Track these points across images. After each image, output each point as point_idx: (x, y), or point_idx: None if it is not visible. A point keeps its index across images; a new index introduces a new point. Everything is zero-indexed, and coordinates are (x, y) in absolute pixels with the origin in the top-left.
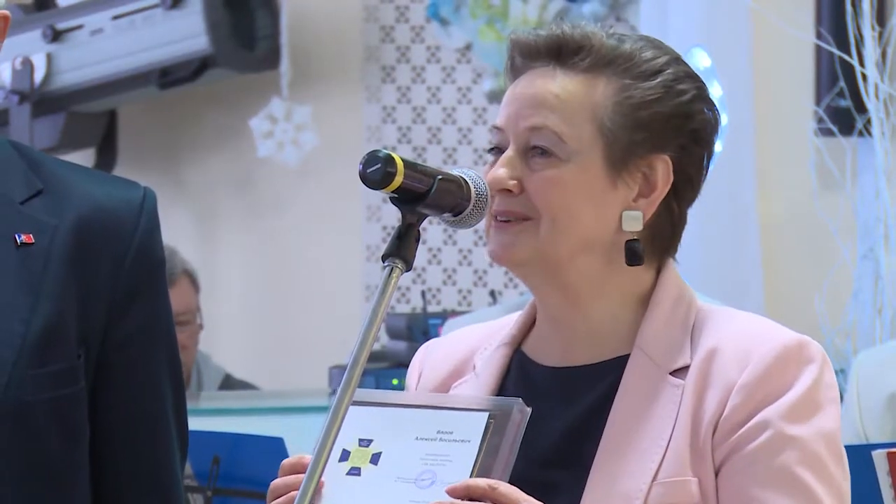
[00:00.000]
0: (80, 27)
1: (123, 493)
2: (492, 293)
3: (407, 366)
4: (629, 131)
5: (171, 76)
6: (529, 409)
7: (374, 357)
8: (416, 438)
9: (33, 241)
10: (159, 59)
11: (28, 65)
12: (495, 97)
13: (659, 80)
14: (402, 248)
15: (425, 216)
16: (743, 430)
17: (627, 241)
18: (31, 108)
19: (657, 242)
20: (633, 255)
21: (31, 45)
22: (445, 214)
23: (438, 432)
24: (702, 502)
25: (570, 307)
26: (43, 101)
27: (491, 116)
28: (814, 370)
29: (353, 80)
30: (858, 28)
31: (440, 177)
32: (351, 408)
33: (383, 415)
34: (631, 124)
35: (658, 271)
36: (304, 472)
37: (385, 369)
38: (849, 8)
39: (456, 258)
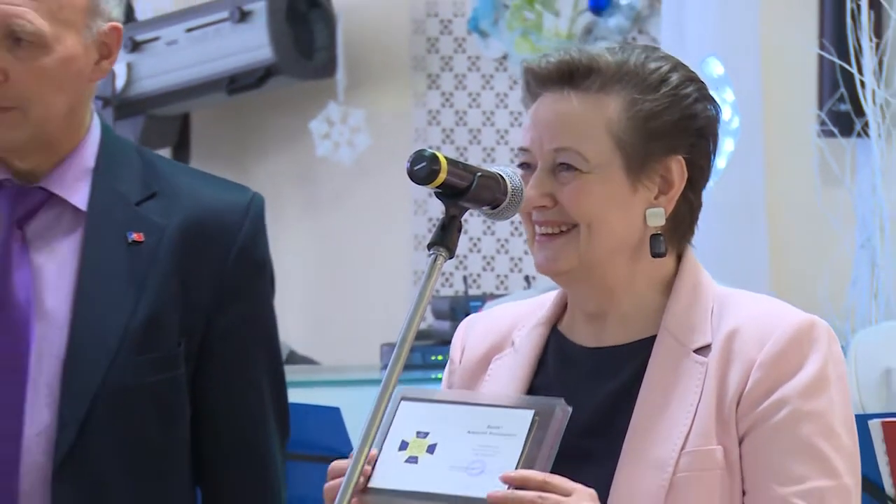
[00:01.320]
0: (156, 39)
1: (221, 471)
2: (526, 278)
3: (449, 344)
4: (643, 141)
5: (239, 83)
6: (570, 409)
7: (421, 335)
8: (468, 432)
9: (143, 239)
10: (228, 68)
11: (110, 73)
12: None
13: (664, 89)
14: (445, 237)
15: (466, 209)
16: (764, 404)
17: (652, 235)
18: (113, 111)
19: (679, 231)
20: (656, 248)
21: None
22: (484, 207)
23: (488, 427)
24: (726, 468)
25: (604, 302)
26: (124, 105)
27: (525, 119)
28: (823, 348)
29: (401, 87)
30: (857, 39)
31: (480, 174)
32: (410, 403)
33: (439, 411)
34: (644, 134)
35: (679, 258)
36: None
37: (430, 346)
38: (849, 21)
39: (494, 247)
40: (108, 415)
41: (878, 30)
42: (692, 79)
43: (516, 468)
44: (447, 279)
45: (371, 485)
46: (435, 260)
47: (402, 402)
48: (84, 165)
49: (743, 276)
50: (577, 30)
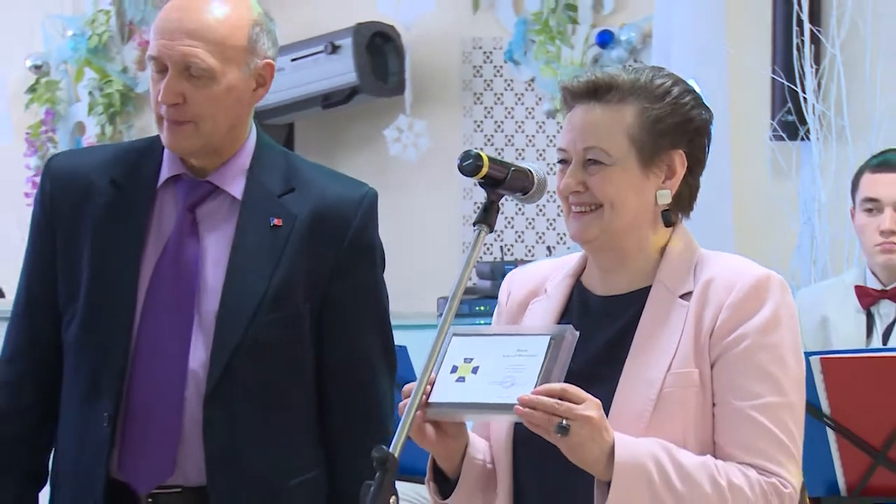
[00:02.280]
0: None
1: (339, 409)
2: (548, 248)
3: (490, 297)
4: (652, 139)
5: (331, 100)
6: (578, 333)
7: (468, 291)
8: (503, 356)
9: (281, 224)
10: (322, 89)
11: None
12: (551, 115)
13: (668, 99)
14: (487, 216)
15: (503, 195)
16: (730, 338)
17: (662, 211)
18: None
19: (681, 206)
20: (668, 219)
21: None
22: (517, 194)
23: (517, 350)
24: (700, 387)
25: (618, 262)
26: None
27: (549, 128)
28: (777, 295)
29: (454, 103)
30: (801, 66)
31: (514, 168)
32: (459, 338)
33: (480, 341)
34: (653, 134)
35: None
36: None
37: (475, 300)
38: (795, 52)
39: (524, 224)
40: (247, 359)
41: (818, 59)
42: (690, 91)
43: (537, 380)
44: (488, 248)
45: (431, 400)
46: (479, 234)
47: (454, 337)
48: (242, 166)
49: (713, 248)
50: (587, 59)
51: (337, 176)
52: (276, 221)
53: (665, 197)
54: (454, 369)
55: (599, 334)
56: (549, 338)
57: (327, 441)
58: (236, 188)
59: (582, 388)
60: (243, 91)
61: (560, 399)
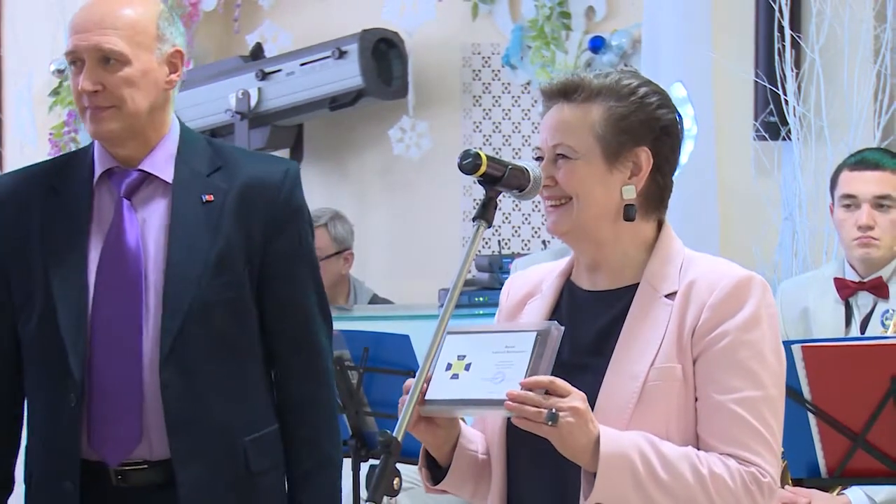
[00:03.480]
0: (279, 70)
1: (285, 358)
2: (543, 242)
3: (488, 289)
4: (616, 135)
5: (338, 102)
6: (563, 328)
7: (467, 283)
8: (493, 352)
9: (213, 199)
10: (330, 91)
11: (246, 95)
12: None
13: (632, 98)
14: (485, 212)
15: (500, 192)
16: (711, 335)
17: (626, 205)
18: (247, 123)
19: (650, 203)
20: (629, 213)
21: (247, 82)
22: (514, 191)
23: (506, 347)
24: (683, 381)
25: (598, 254)
26: (255, 119)
27: None
28: (758, 295)
29: (454, 105)
30: (783, 70)
31: (510, 167)
32: (452, 336)
33: (473, 339)
34: (616, 131)
35: (658, 227)
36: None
37: (474, 291)
38: (777, 57)
39: (520, 219)
40: (197, 322)
41: (798, 63)
42: (657, 91)
43: (525, 375)
44: (486, 242)
45: (427, 397)
46: (478, 229)
47: (448, 335)
48: (169, 152)
49: (700, 242)
50: (580, 63)
51: (260, 155)
52: (207, 197)
53: (630, 192)
54: (448, 367)
55: (588, 327)
56: (535, 333)
57: (277, 394)
58: (167, 173)
59: (570, 378)
60: (158, 75)
61: (547, 392)
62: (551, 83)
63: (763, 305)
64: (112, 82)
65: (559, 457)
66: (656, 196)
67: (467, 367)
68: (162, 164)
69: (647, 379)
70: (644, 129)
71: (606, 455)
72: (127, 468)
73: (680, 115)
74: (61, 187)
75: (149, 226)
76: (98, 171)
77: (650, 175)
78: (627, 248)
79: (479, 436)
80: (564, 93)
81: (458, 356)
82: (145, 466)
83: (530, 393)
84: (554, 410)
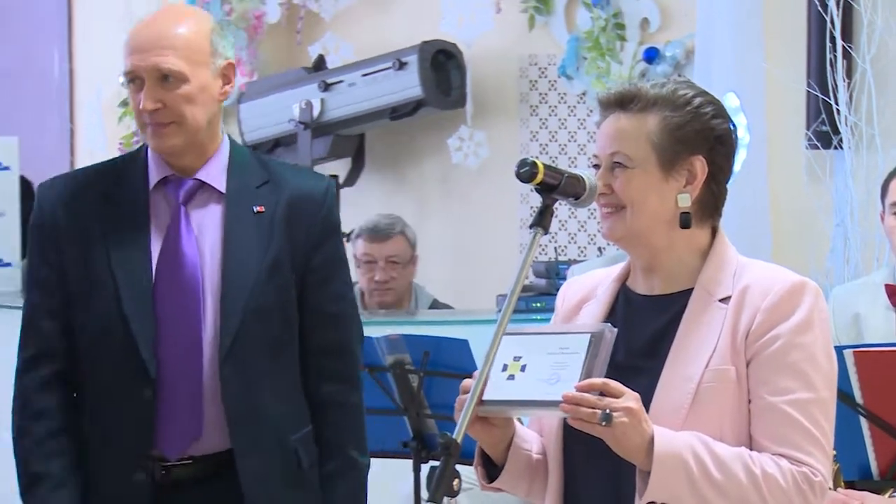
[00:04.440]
0: (341, 81)
1: (318, 361)
2: (598, 248)
3: (545, 294)
4: (671, 145)
5: (398, 112)
6: (616, 330)
7: (524, 289)
8: (548, 354)
9: (264, 210)
10: (391, 102)
11: (309, 105)
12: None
13: (688, 108)
14: (542, 220)
15: (557, 200)
16: (764, 338)
17: (681, 212)
18: (310, 133)
19: (705, 211)
20: (684, 221)
21: (310, 93)
22: (570, 199)
23: (560, 348)
24: (737, 382)
25: (653, 260)
26: (318, 128)
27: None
28: (810, 300)
29: (511, 114)
30: (835, 80)
31: (567, 175)
32: (509, 337)
33: (528, 340)
34: (672, 140)
35: (713, 233)
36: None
37: (531, 297)
38: (829, 67)
39: (576, 226)
40: (252, 323)
41: (850, 73)
42: (712, 101)
43: (580, 376)
44: (543, 249)
45: (484, 398)
46: (535, 236)
47: (504, 336)
48: (222, 164)
49: (753, 249)
50: (635, 74)
51: (300, 169)
52: (258, 208)
53: (685, 200)
54: (504, 367)
55: (642, 330)
56: (589, 335)
57: (307, 396)
58: (220, 183)
59: (624, 380)
60: (213, 89)
61: (601, 393)
62: (608, 93)
63: (815, 310)
64: (172, 100)
65: (615, 456)
66: (711, 203)
67: (523, 369)
68: (216, 174)
69: (702, 381)
70: (699, 139)
71: (660, 454)
72: (172, 464)
73: (734, 125)
74: (116, 194)
75: (204, 232)
76: (154, 178)
77: (705, 183)
78: (682, 254)
79: (534, 436)
80: (621, 102)
81: (514, 357)
82: (190, 462)
83: (585, 394)
84: (608, 411)
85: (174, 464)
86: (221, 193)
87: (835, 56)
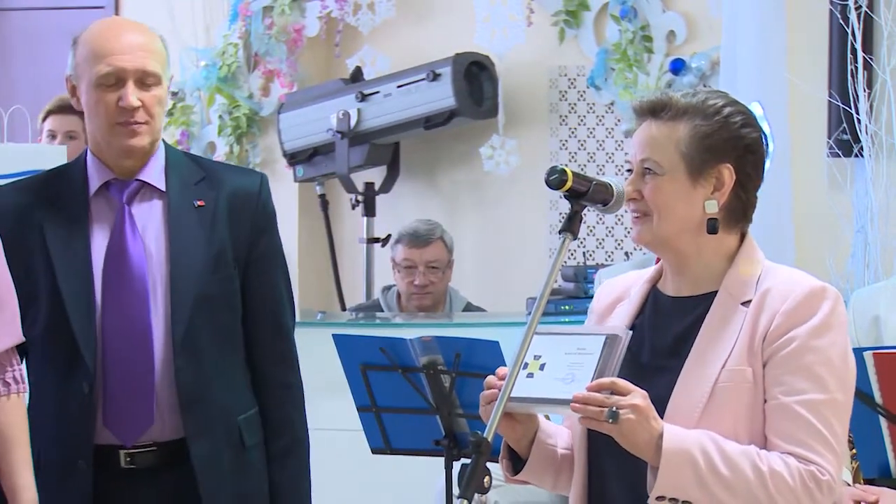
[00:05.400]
0: (377, 92)
1: (261, 343)
2: (626, 253)
3: (573, 298)
4: (700, 153)
5: (432, 122)
6: (630, 333)
7: (553, 293)
8: (565, 353)
9: (204, 204)
10: (425, 111)
11: (346, 115)
12: (629, 134)
13: (717, 117)
14: (571, 225)
15: (585, 206)
16: (781, 340)
17: (708, 218)
18: (348, 142)
19: (732, 217)
20: (711, 227)
21: (348, 103)
22: (598, 205)
23: (577, 349)
24: (753, 383)
25: (681, 263)
26: (355, 137)
27: (627, 145)
28: (829, 305)
29: (541, 124)
30: (855, 90)
31: (595, 182)
32: (535, 336)
33: (549, 340)
34: (701, 148)
35: (741, 239)
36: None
37: (560, 300)
38: (849, 77)
39: (604, 232)
40: (201, 313)
41: (870, 83)
42: (741, 111)
43: (592, 376)
44: (572, 254)
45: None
46: (564, 241)
47: (534, 336)
48: (160, 164)
49: (776, 254)
50: (662, 84)
51: (231, 166)
52: (199, 203)
53: (712, 206)
54: (525, 366)
55: (668, 331)
56: (604, 337)
57: (253, 377)
58: (160, 182)
59: (648, 379)
60: (167, 96)
61: (610, 392)
62: (641, 101)
63: (834, 315)
64: (149, 100)
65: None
66: (739, 210)
67: (542, 367)
68: (156, 174)
69: (718, 380)
70: (727, 147)
71: (668, 451)
72: (136, 451)
73: (764, 134)
74: (57, 199)
75: (148, 229)
76: (96, 183)
77: (732, 190)
78: (710, 258)
79: (563, 431)
80: (653, 111)
81: (535, 356)
82: (154, 448)
83: (594, 393)
84: (615, 409)
85: (139, 451)
86: (162, 192)
87: (856, 67)
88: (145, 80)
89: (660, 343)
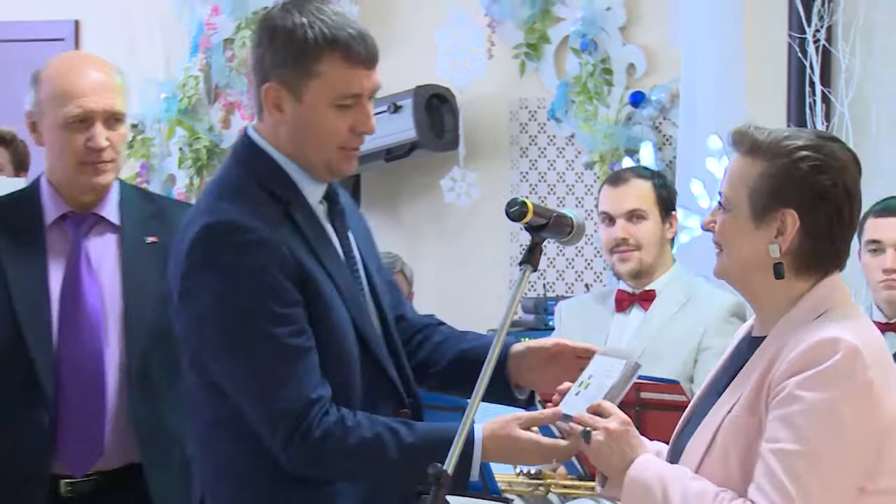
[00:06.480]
0: None
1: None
2: (586, 285)
3: (533, 329)
4: (765, 194)
5: (393, 154)
6: (641, 365)
7: (513, 324)
8: (604, 375)
9: (157, 240)
10: (386, 144)
11: None
12: (589, 166)
13: (786, 160)
14: (531, 257)
15: (545, 238)
16: (778, 387)
17: (774, 263)
18: None
19: (802, 263)
20: (778, 272)
21: None
22: (558, 237)
23: (606, 372)
24: (748, 429)
25: (753, 302)
26: None
27: (587, 178)
28: (835, 358)
29: (502, 156)
30: (814, 122)
31: (555, 214)
32: (598, 357)
33: (602, 361)
34: (766, 189)
35: (815, 283)
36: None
37: (520, 332)
38: (808, 110)
39: (564, 264)
40: (155, 346)
41: (828, 116)
42: (819, 157)
43: (602, 398)
44: (532, 286)
45: (562, 411)
46: (524, 273)
47: (598, 356)
48: (115, 199)
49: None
50: (622, 117)
51: (181, 203)
52: (151, 239)
53: (774, 251)
54: (580, 384)
55: (733, 368)
56: (624, 362)
57: None
58: (115, 216)
59: (695, 422)
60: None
61: (595, 413)
62: (731, 132)
63: (838, 368)
64: (115, 139)
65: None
66: (811, 257)
67: (587, 387)
68: (111, 209)
69: (721, 426)
70: (793, 192)
71: (630, 479)
72: (78, 479)
73: (844, 180)
74: (13, 227)
75: (103, 263)
76: (53, 214)
77: (798, 236)
78: (779, 301)
79: (659, 447)
80: (735, 143)
81: (589, 375)
82: (95, 478)
83: (584, 414)
84: (588, 430)
85: (80, 480)
86: (117, 226)
87: (814, 100)
88: (112, 119)
89: (726, 380)
